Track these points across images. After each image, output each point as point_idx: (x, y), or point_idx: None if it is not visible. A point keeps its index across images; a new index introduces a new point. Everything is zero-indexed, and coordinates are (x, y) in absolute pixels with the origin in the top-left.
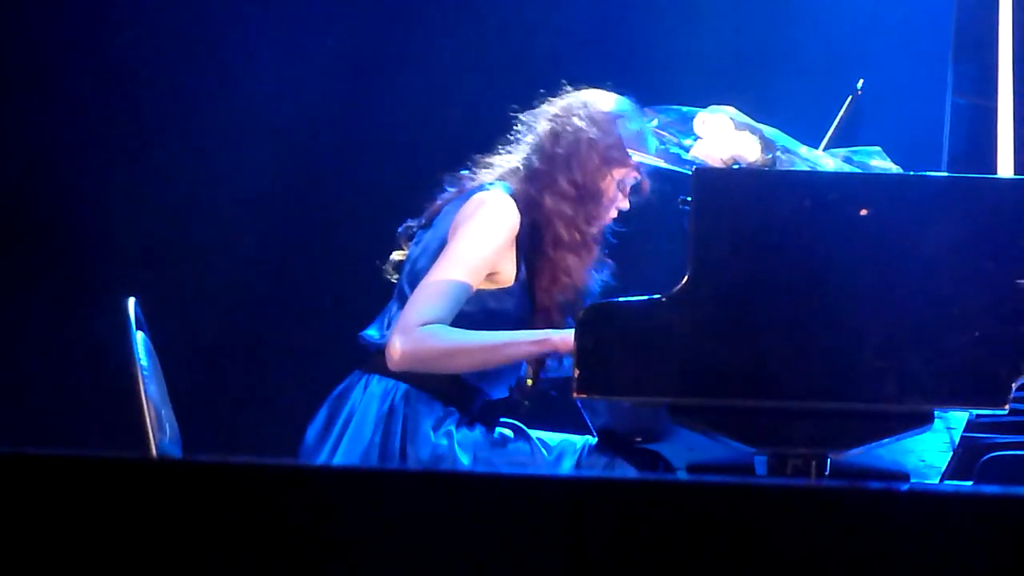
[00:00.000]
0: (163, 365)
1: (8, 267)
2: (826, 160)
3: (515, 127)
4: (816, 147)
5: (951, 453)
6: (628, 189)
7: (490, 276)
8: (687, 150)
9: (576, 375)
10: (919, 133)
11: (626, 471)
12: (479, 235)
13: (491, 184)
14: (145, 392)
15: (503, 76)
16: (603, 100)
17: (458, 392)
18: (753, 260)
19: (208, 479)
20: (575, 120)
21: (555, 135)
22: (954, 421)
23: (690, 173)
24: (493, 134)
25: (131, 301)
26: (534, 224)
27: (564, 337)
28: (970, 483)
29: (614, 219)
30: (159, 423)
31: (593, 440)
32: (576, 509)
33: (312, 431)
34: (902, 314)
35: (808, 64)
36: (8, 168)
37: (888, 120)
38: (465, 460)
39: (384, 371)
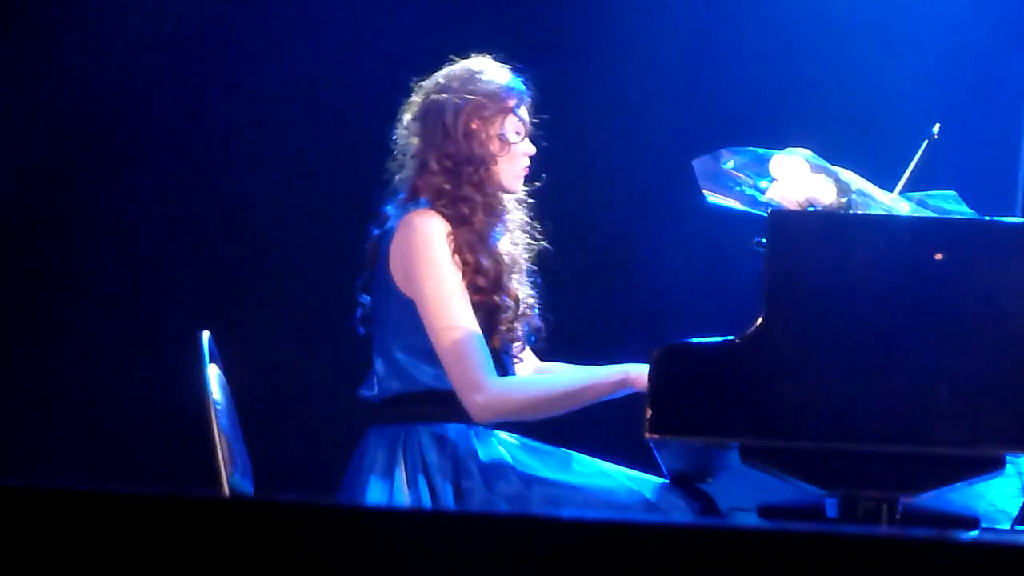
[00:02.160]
0: (236, 399)
1: (82, 300)
2: (901, 204)
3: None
4: (891, 191)
5: (1023, 498)
6: (513, 135)
7: None
8: (762, 192)
9: (648, 415)
10: (994, 177)
11: (688, 512)
12: (435, 259)
13: (404, 209)
14: (218, 426)
15: (575, 112)
16: (454, 69)
17: None
18: (827, 303)
19: (275, 518)
20: (431, 97)
21: (418, 120)
22: None
23: (765, 215)
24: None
25: (205, 335)
26: (458, 217)
27: (640, 374)
28: None
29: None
30: (231, 457)
31: (661, 480)
32: (652, 554)
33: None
34: (975, 358)
35: (884, 107)
36: (82, 203)
37: (963, 164)
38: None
39: (384, 420)
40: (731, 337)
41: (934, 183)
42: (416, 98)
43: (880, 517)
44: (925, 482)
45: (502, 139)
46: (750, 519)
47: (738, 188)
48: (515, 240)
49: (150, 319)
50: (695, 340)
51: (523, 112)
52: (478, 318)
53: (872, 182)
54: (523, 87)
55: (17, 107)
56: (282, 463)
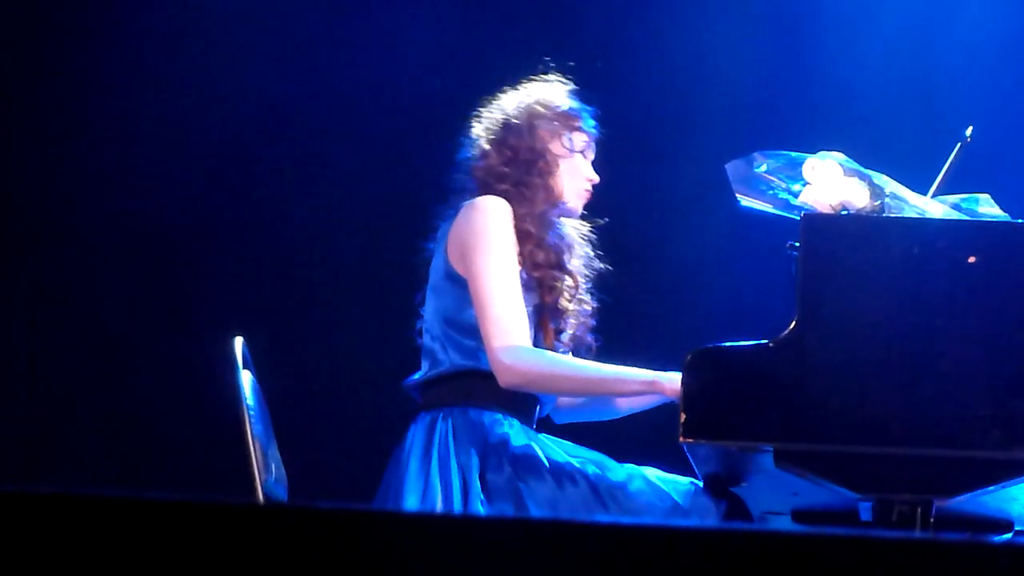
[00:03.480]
0: (270, 405)
1: (116, 305)
2: (934, 207)
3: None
4: (925, 194)
5: None
6: (578, 143)
7: None
8: (796, 195)
9: (683, 419)
10: None
11: (722, 515)
12: (495, 237)
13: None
14: (251, 432)
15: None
16: (528, 85)
17: (512, 398)
18: (860, 306)
19: (309, 525)
20: (517, 115)
21: (486, 127)
22: None
23: (798, 218)
24: None
25: (238, 340)
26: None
27: (672, 380)
28: None
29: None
30: (265, 463)
31: (695, 483)
32: (685, 558)
33: (379, 493)
34: (1009, 362)
35: (917, 111)
36: (120, 206)
37: (997, 167)
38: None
39: (427, 407)
40: (764, 341)
41: (968, 186)
42: (487, 113)
43: (914, 521)
44: (959, 485)
45: (565, 145)
46: (784, 523)
47: (771, 191)
48: (578, 254)
49: (183, 325)
50: (728, 344)
51: (588, 136)
52: (535, 295)
53: (905, 186)
54: (592, 119)
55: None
56: (316, 469)
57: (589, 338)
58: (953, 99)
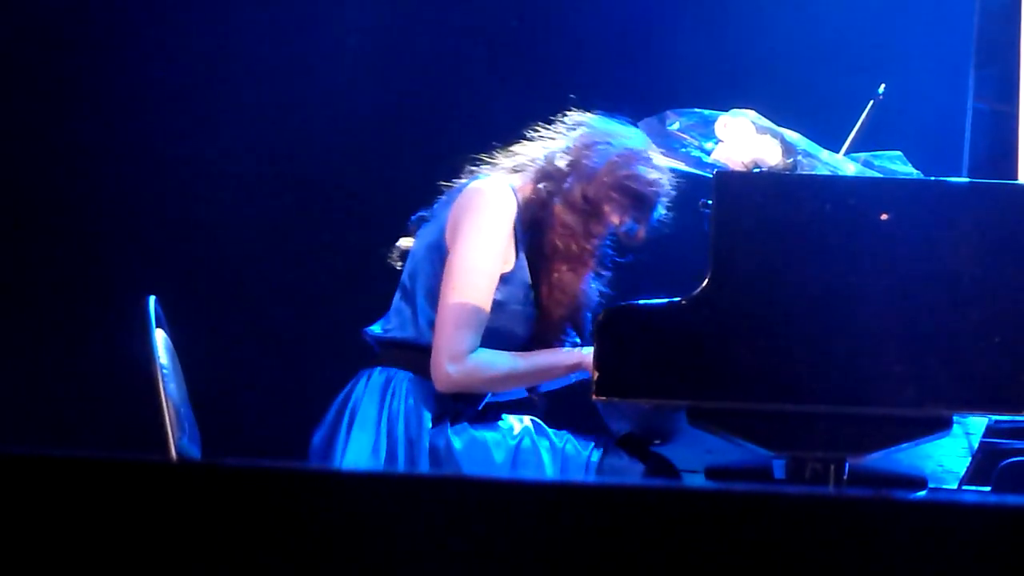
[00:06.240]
0: (183, 364)
1: (27, 266)
2: (847, 164)
3: (535, 128)
4: (837, 151)
5: (969, 458)
6: (628, 228)
7: None
8: (708, 153)
9: (595, 377)
10: (940, 138)
11: (640, 474)
12: (485, 231)
13: (486, 175)
14: (165, 391)
15: (520, 76)
16: (642, 141)
17: None
18: (773, 263)
19: (223, 482)
20: (612, 142)
21: (587, 147)
22: (972, 426)
23: (711, 176)
24: (504, 132)
25: (151, 299)
26: (537, 223)
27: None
28: (988, 488)
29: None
30: (179, 422)
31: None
32: (588, 516)
33: (319, 434)
34: (922, 319)
35: (829, 68)
36: (26, 166)
37: (909, 125)
38: (459, 445)
39: (385, 362)
40: (677, 299)
41: (880, 143)
42: (587, 125)
43: (827, 478)
44: (872, 443)
45: (617, 224)
46: (698, 481)
47: (684, 149)
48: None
49: (95, 284)
50: (640, 302)
51: (645, 229)
52: (539, 331)
53: (818, 143)
54: (665, 198)
55: None
56: (230, 428)
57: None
58: (865, 56)
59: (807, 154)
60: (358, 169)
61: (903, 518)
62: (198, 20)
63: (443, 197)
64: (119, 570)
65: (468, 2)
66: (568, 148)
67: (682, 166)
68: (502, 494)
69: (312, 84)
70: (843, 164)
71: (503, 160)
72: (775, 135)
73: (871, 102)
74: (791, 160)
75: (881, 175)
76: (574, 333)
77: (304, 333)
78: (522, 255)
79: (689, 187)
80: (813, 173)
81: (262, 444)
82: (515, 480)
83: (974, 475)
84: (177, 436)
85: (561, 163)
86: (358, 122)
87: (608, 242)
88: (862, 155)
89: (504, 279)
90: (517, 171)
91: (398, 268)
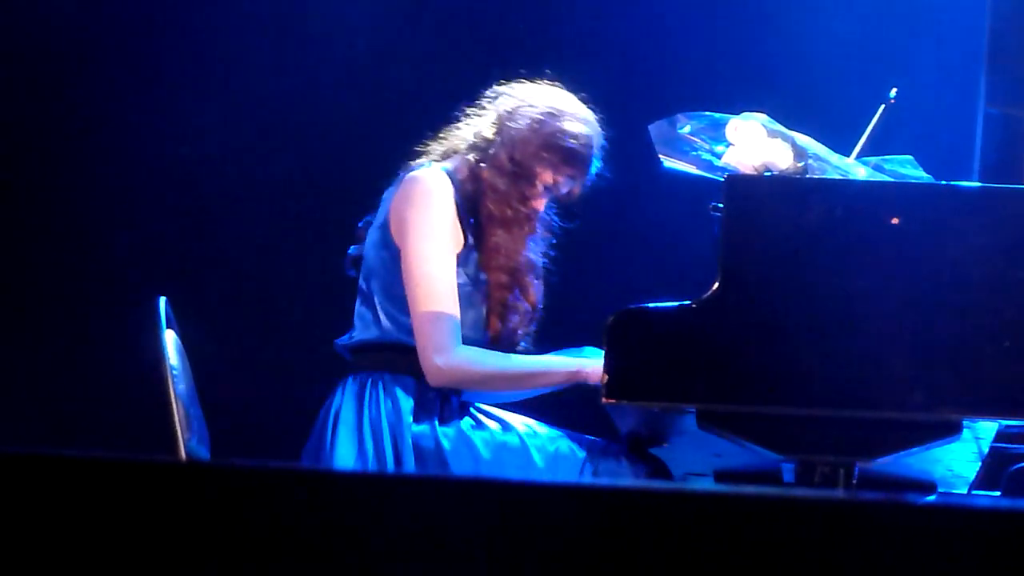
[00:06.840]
0: (193, 365)
1: (37, 267)
2: (858, 168)
3: (466, 108)
4: (848, 155)
5: (979, 463)
6: (564, 187)
7: None
8: (719, 157)
9: (604, 380)
10: (951, 142)
11: (642, 476)
12: (430, 219)
13: (419, 165)
14: (174, 392)
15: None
16: (565, 99)
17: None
18: (783, 267)
19: (232, 483)
20: (533, 103)
21: (510, 111)
22: (982, 431)
23: (721, 180)
24: None
25: (162, 300)
26: (473, 195)
27: (596, 368)
28: (998, 493)
29: (556, 211)
30: (188, 423)
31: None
32: (592, 518)
33: (306, 450)
34: (932, 323)
35: (841, 72)
36: (38, 167)
37: (920, 129)
38: (447, 445)
39: (356, 369)
40: (688, 302)
41: (891, 148)
42: (508, 94)
43: (837, 482)
44: (882, 447)
45: (550, 184)
46: (707, 484)
47: (694, 152)
48: (536, 243)
49: (106, 285)
50: (651, 305)
51: (582, 185)
52: (487, 301)
53: (829, 147)
54: (598, 150)
55: None
56: (239, 429)
57: (532, 328)
58: (877, 60)
59: (818, 158)
60: (377, 173)
61: (913, 522)
62: (216, 23)
63: (383, 195)
64: (129, 570)
65: (474, 5)
66: (494, 119)
67: (693, 169)
68: (502, 494)
69: (332, 89)
70: (854, 168)
71: (435, 147)
72: (786, 139)
73: (882, 106)
74: (802, 164)
75: (892, 179)
76: (522, 299)
77: (315, 335)
78: (470, 234)
79: (700, 191)
80: (824, 177)
81: (272, 445)
82: (515, 480)
83: (984, 480)
84: (186, 437)
85: (488, 133)
86: (378, 127)
87: (554, 208)
88: (873, 159)
89: (459, 260)
90: (449, 155)
91: (353, 277)
